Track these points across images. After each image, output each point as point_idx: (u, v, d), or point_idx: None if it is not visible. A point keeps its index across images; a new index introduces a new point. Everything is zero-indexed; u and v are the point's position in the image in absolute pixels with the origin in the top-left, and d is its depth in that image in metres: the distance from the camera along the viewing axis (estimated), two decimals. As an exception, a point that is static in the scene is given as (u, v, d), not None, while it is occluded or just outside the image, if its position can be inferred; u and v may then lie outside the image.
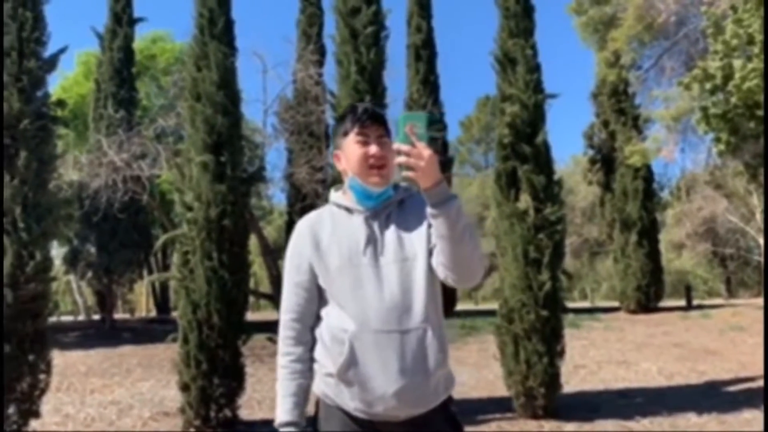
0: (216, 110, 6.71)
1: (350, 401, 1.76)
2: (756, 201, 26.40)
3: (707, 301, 21.57)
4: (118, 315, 21.81)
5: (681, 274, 31.45)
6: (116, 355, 11.29)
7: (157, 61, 20.43)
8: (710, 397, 7.14)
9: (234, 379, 6.49)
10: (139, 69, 17.69)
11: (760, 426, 5.75)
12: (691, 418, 6.12)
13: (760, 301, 19.81)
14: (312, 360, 1.86)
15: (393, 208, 1.86)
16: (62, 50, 6.19)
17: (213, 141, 6.67)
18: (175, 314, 16.95)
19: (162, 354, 10.73)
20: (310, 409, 1.86)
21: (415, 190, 1.88)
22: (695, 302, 19.11)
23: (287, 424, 1.80)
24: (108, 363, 10.64)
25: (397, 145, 1.63)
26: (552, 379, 6.28)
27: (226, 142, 6.74)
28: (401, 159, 1.62)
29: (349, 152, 1.85)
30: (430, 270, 1.78)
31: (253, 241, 14.50)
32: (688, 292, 19.44)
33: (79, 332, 14.73)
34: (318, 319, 1.86)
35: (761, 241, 28.55)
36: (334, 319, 1.79)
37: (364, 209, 1.84)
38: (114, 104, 14.83)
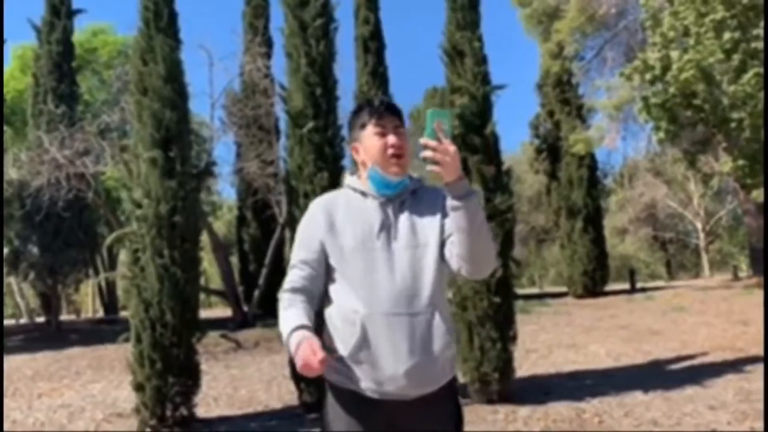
0: (164, 105, 6.57)
1: (361, 381, 1.81)
2: (693, 187, 27.45)
3: (650, 284, 22.35)
4: (64, 316, 21.18)
5: (624, 258, 32.48)
6: (64, 358, 10.99)
7: (99, 54, 19.84)
8: (655, 375, 7.44)
9: (189, 377, 6.40)
10: (79, 63, 17.14)
11: (702, 401, 6.03)
12: (638, 396, 6.36)
13: (699, 282, 20.67)
14: (312, 308, 1.86)
15: (407, 196, 1.93)
16: None
17: (161, 136, 6.54)
18: (123, 314, 16.59)
19: (112, 354, 10.51)
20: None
21: (426, 182, 1.98)
22: (639, 285, 19.80)
23: (298, 328, 1.76)
24: (56, 366, 10.35)
25: (424, 140, 1.69)
26: (505, 364, 6.42)
27: (175, 137, 6.62)
28: (428, 153, 1.69)
29: (368, 143, 1.92)
30: (440, 258, 1.86)
31: (203, 237, 14.32)
32: (631, 275, 20.13)
33: (23, 335, 14.29)
34: (327, 299, 1.90)
35: (699, 225, 29.72)
36: (344, 300, 1.84)
37: (380, 196, 1.90)
38: (54, 99, 14.35)
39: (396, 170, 1.89)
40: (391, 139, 1.89)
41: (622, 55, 16.97)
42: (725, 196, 29.27)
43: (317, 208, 1.96)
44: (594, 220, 17.25)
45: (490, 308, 6.39)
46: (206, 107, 17.84)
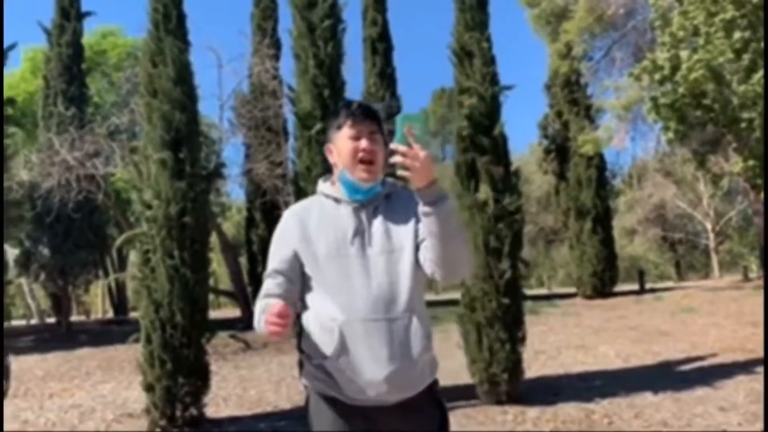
0: (173, 106, 6.61)
1: (342, 388, 1.81)
2: (703, 187, 27.29)
3: (659, 285, 22.24)
4: (74, 317, 21.30)
5: (633, 259, 32.33)
6: (74, 358, 11.06)
7: (108, 56, 19.96)
8: (665, 376, 7.40)
9: (199, 377, 6.43)
10: (89, 65, 17.26)
11: (712, 402, 6.00)
12: (648, 398, 6.34)
13: (708, 283, 20.55)
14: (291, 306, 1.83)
15: (380, 201, 1.91)
16: (11, 46, 6.06)
17: (171, 138, 6.58)
18: (133, 315, 16.67)
19: (122, 355, 10.57)
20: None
21: (399, 186, 1.95)
22: (648, 286, 19.71)
23: (270, 296, 1.79)
24: (66, 366, 10.42)
25: (394, 146, 1.68)
26: (514, 365, 6.42)
27: (185, 138, 6.66)
28: (398, 159, 1.67)
29: (341, 146, 1.90)
30: (416, 262, 1.84)
31: (212, 238, 14.37)
32: (640, 276, 20.04)
33: (33, 336, 14.38)
34: (304, 307, 1.89)
35: (708, 225, 29.55)
36: (321, 308, 1.83)
37: (352, 201, 1.89)
38: (64, 101, 14.45)
39: (364, 176, 1.86)
40: (363, 143, 1.87)
41: (630, 55, 16.90)
42: (735, 196, 29.07)
43: (290, 216, 1.95)
44: (603, 220, 17.19)
45: (498, 309, 6.39)
46: (215, 109, 17.89)
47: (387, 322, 1.78)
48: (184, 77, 6.75)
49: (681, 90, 10.20)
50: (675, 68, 10.14)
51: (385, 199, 1.92)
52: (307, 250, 1.86)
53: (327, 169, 6.92)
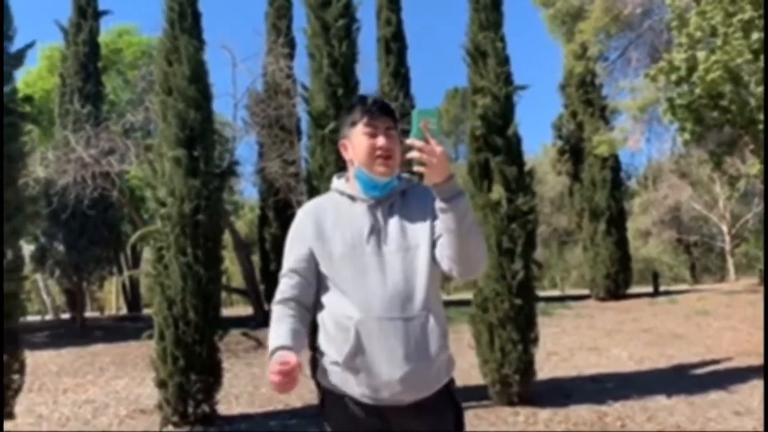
0: (188, 105, 6.65)
1: (357, 387, 1.79)
2: (719, 189, 27.02)
3: (673, 287, 22.06)
4: (88, 313, 21.48)
5: (648, 261, 32.08)
6: (88, 354, 11.15)
7: (124, 55, 20.09)
8: (678, 380, 7.34)
9: (211, 374, 6.47)
10: (105, 63, 17.39)
11: (727, 407, 5.94)
12: (661, 401, 6.29)
13: (724, 286, 20.36)
14: (305, 321, 1.86)
15: (396, 197, 1.89)
16: (29, 45, 6.09)
17: (185, 136, 6.62)
18: (146, 311, 16.78)
19: (135, 351, 10.64)
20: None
21: (416, 182, 1.92)
22: (662, 288, 19.55)
23: (280, 348, 1.74)
24: (80, 362, 10.50)
25: (410, 141, 1.65)
26: (526, 366, 6.39)
27: (199, 136, 6.69)
28: (414, 154, 1.64)
29: (357, 142, 1.88)
30: (432, 259, 1.82)
31: (225, 236, 14.43)
32: (655, 278, 19.88)
33: (48, 332, 14.50)
34: (320, 306, 1.88)
35: (724, 228, 29.27)
36: (337, 307, 1.81)
37: (368, 198, 1.87)
38: (80, 99, 14.56)
39: (382, 170, 1.84)
40: (381, 140, 1.85)
41: (646, 55, 16.76)
42: (752, 198, 28.75)
43: (305, 214, 1.93)
44: (617, 222, 17.06)
45: (511, 310, 6.37)
46: (229, 107, 17.94)
47: (403, 321, 1.76)
48: (198, 76, 6.79)
49: (698, 91, 10.10)
50: (692, 69, 10.04)
51: (400, 195, 1.90)
52: (322, 248, 1.85)
53: (340, 168, 6.88)
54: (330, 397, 1.88)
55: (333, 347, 1.82)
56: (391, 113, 1.91)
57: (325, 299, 1.86)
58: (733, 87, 9.93)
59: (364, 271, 1.79)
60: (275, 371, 1.64)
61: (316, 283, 1.88)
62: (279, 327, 1.80)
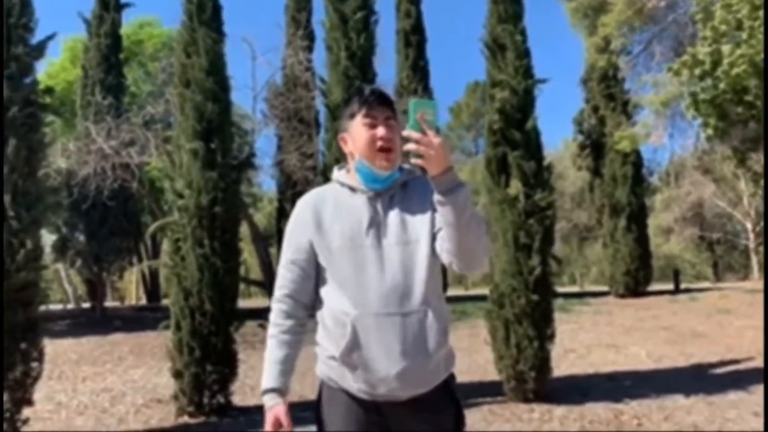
0: (206, 97, 6.67)
1: (354, 383, 1.78)
2: (743, 186, 26.58)
3: (695, 285, 21.78)
4: (109, 303, 21.74)
5: (669, 258, 31.68)
6: (107, 343, 11.28)
7: (145, 46, 20.23)
8: (697, 379, 7.24)
9: (226, 365, 6.51)
10: (126, 55, 17.52)
11: (746, 407, 5.84)
12: (679, 400, 6.21)
13: (747, 284, 20.04)
14: (300, 333, 1.89)
15: (396, 189, 1.86)
16: (50, 37, 6.13)
17: (203, 128, 6.65)
18: (165, 302, 16.94)
19: (153, 341, 10.74)
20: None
21: (418, 172, 1.88)
22: (683, 286, 19.31)
23: (271, 390, 1.82)
24: (99, 351, 10.63)
25: (407, 132, 1.62)
26: (542, 363, 6.34)
27: (216, 128, 6.71)
28: (411, 146, 1.61)
29: (357, 134, 1.85)
30: (433, 253, 1.78)
31: (243, 228, 14.50)
32: (676, 276, 19.63)
33: (69, 321, 14.70)
34: (318, 300, 1.86)
35: (749, 225, 28.81)
36: (334, 302, 1.80)
37: (368, 190, 1.84)
38: (102, 91, 14.70)
39: (384, 164, 1.81)
40: (381, 131, 1.81)
41: (670, 49, 16.49)
42: (777, 195, 28.24)
43: (305, 205, 1.91)
44: (638, 218, 16.85)
45: (527, 306, 6.31)
46: (249, 100, 17.99)
47: (401, 317, 1.74)
48: (216, 68, 6.81)
49: (722, 85, 9.92)
50: (716, 63, 9.86)
51: (401, 187, 1.87)
52: (321, 240, 1.83)
53: (356, 161, 6.81)
54: (327, 390, 1.88)
55: (331, 342, 1.80)
56: (389, 103, 1.87)
57: (324, 293, 1.84)
58: (758, 82, 9.73)
59: (362, 264, 1.77)
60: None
61: (315, 275, 1.86)
62: (272, 355, 1.86)
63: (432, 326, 1.77)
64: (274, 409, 1.79)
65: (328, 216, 1.85)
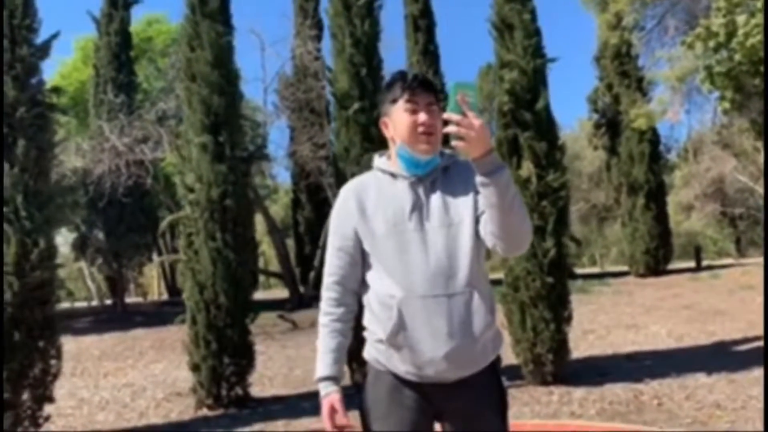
0: (212, 90, 6.66)
1: (401, 365, 1.80)
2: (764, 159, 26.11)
3: (717, 262, 21.50)
4: (131, 299, 22.01)
5: (691, 235, 31.29)
6: (129, 339, 11.42)
7: (154, 43, 20.31)
8: (719, 357, 7.13)
9: (243, 357, 6.54)
10: (136, 52, 17.60)
11: (770, 384, 5.74)
12: (701, 379, 6.12)
13: (770, 259, 19.72)
14: (351, 321, 1.92)
15: (438, 174, 1.88)
16: (54, 36, 6.13)
17: (210, 121, 6.64)
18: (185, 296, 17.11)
19: (173, 336, 10.83)
20: (344, 380, 1.88)
21: (459, 157, 1.90)
22: (705, 263, 19.06)
23: (326, 378, 1.85)
24: (121, 346, 10.76)
25: (447, 115, 1.62)
26: (559, 345, 6.28)
27: (224, 122, 6.70)
28: (452, 128, 1.61)
29: (398, 120, 1.86)
30: (476, 235, 1.80)
31: (260, 221, 14.56)
32: (697, 253, 19.39)
33: (92, 318, 14.90)
34: (364, 285, 1.89)
35: (770, 199, 28.32)
36: (380, 286, 1.82)
37: (409, 175, 1.86)
38: (113, 89, 14.79)
39: (425, 147, 1.81)
40: (422, 116, 1.81)
41: (684, 23, 16.15)
42: (800, 168, 27.75)
43: (348, 193, 1.93)
44: (656, 196, 16.62)
45: (543, 288, 6.25)
46: (260, 92, 18.00)
47: (446, 298, 1.76)
48: (222, 61, 6.79)
49: (737, 57, 9.70)
50: (731, 34, 9.63)
51: (442, 171, 1.88)
52: (365, 226, 1.85)
53: (365, 149, 6.80)
54: (374, 372, 1.90)
55: (378, 325, 1.82)
56: (432, 89, 1.88)
57: (370, 278, 1.87)
58: (775, 52, 9.50)
59: (406, 248, 1.79)
60: (329, 426, 1.82)
61: (361, 261, 1.89)
62: (325, 344, 1.88)
63: (478, 308, 1.78)
64: (330, 396, 1.83)
65: (371, 203, 1.87)
